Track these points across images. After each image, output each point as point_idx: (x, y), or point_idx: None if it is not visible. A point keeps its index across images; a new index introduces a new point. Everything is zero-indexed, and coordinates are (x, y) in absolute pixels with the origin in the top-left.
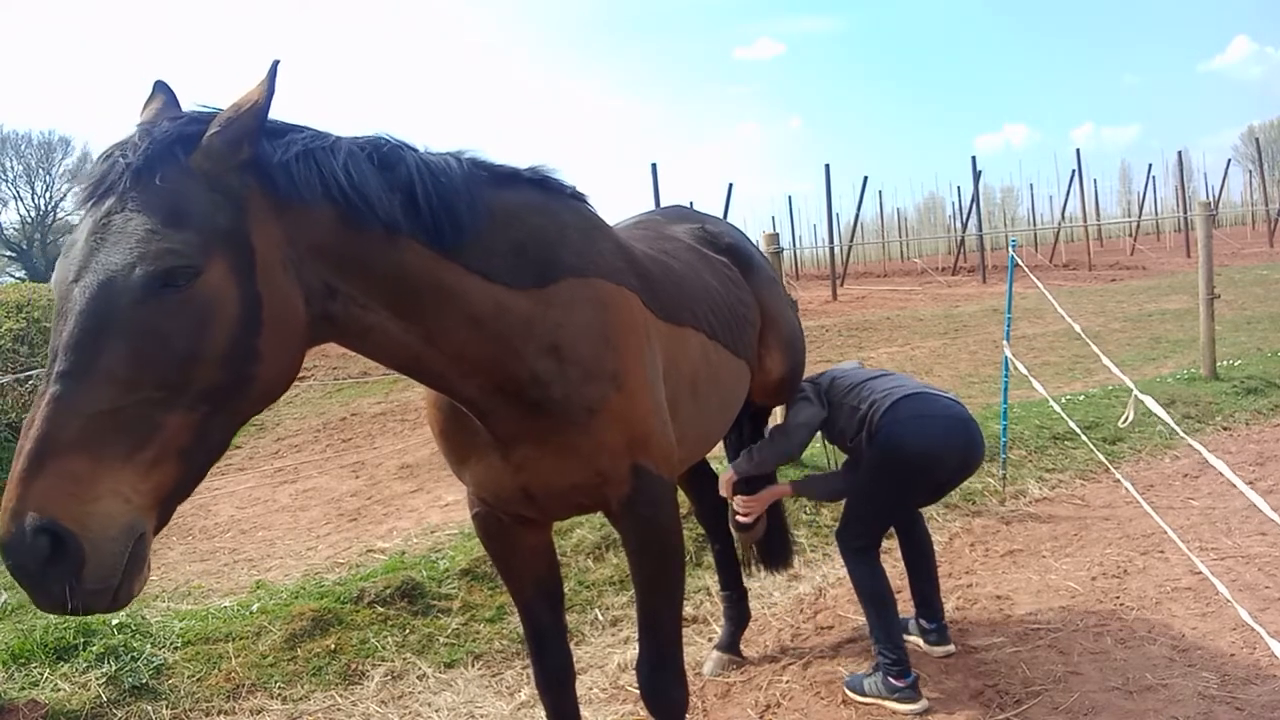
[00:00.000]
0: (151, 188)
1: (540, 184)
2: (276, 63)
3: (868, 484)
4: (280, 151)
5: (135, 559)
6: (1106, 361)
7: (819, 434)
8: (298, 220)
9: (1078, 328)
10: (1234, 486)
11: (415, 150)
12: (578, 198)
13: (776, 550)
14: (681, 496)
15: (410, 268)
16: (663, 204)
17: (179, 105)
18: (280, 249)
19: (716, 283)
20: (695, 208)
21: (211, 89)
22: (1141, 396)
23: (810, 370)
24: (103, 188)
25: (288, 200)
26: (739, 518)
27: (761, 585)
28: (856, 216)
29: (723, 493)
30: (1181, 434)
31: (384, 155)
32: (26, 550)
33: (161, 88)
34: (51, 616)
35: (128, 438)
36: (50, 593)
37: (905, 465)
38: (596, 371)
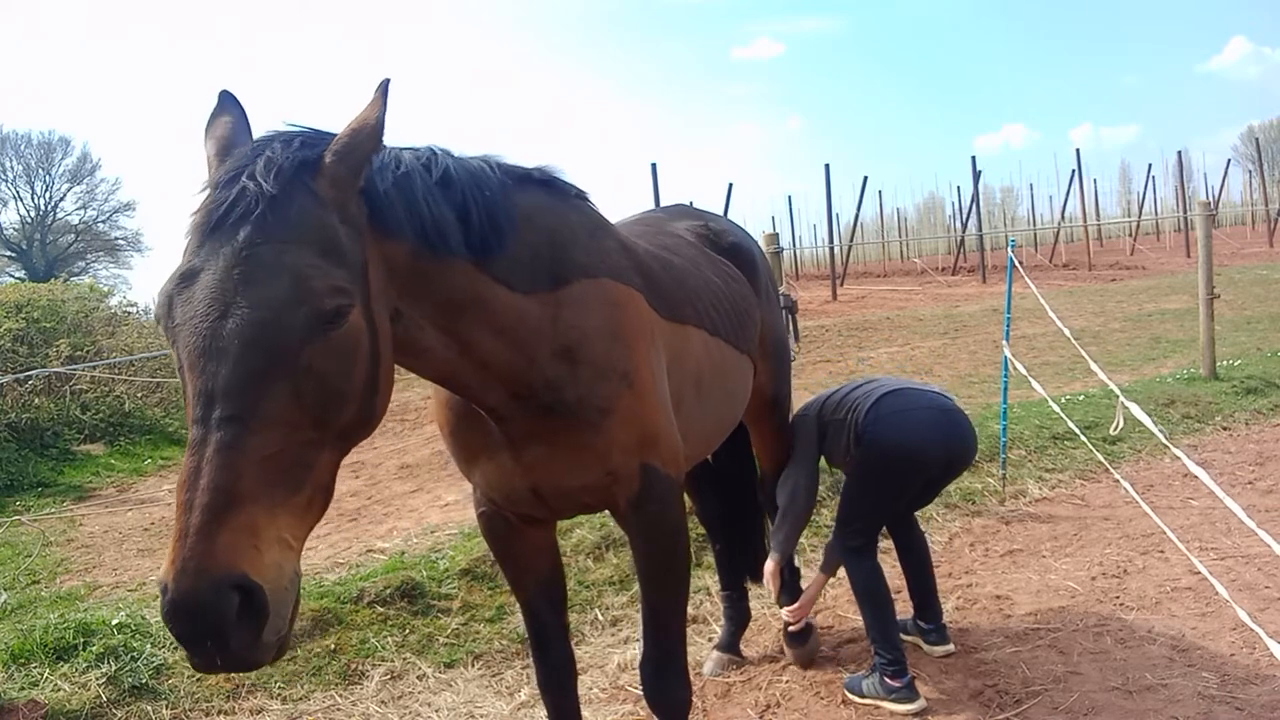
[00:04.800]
0: (293, 218)
1: (547, 185)
2: (387, 81)
3: (857, 485)
4: (380, 180)
5: (296, 606)
6: (1094, 367)
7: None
8: (388, 248)
9: (1067, 332)
10: (1233, 487)
11: (458, 159)
12: (581, 197)
13: (758, 564)
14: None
15: (457, 286)
16: (662, 203)
17: (248, 119)
18: (379, 278)
19: (717, 278)
20: (695, 207)
21: (214, 90)
22: (1128, 404)
23: (809, 376)
24: (234, 215)
25: (388, 231)
26: (791, 628)
27: (762, 585)
28: (856, 216)
29: (769, 585)
30: (1166, 441)
31: (443, 174)
32: (217, 608)
33: (228, 100)
34: (51, 616)
35: (289, 481)
36: (233, 651)
37: (890, 462)
38: (608, 371)
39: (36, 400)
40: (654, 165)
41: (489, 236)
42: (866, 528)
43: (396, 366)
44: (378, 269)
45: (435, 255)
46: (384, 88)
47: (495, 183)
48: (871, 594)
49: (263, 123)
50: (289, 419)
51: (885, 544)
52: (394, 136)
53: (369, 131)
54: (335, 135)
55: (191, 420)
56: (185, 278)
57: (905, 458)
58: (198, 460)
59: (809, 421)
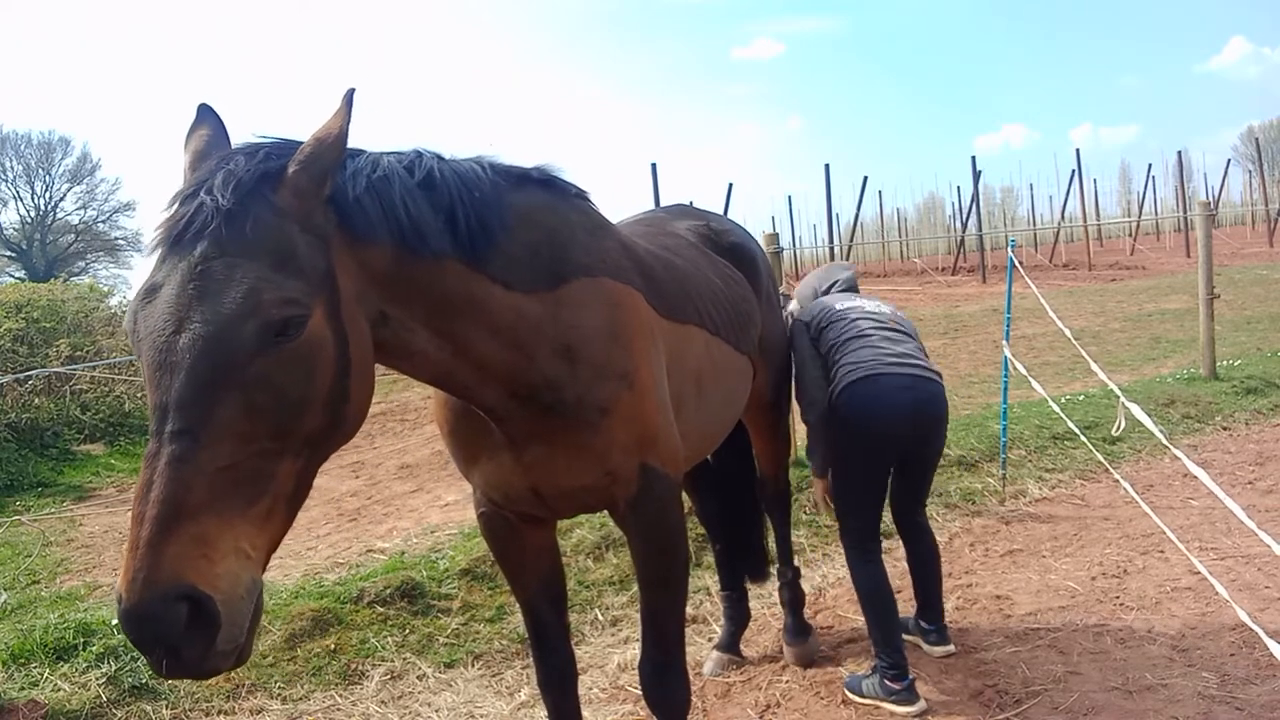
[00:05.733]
0: (248, 231)
1: (547, 184)
2: (352, 91)
3: (840, 474)
4: (352, 186)
5: (256, 615)
6: (1094, 367)
7: None
8: (364, 254)
9: (1068, 333)
10: (1233, 487)
11: (447, 161)
12: (582, 197)
13: (757, 565)
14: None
15: (449, 286)
16: (662, 203)
17: (226, 131)
18: (353, 283)
19: (718, 279)
20: (697, 207)
21: (215, 90)
22: (1128, 404)
23: None
24: (192, 230)
25: (360, 236)
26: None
27: (761, 585)
28: (856, 216)
29: (822, 506)
30: (1166, 442)
31: (426, 176)
32: (165, 619)
33: (206, 113)
34: (51, 616)
35: (245, 492)
36: (184, 660)
37: (857, 444)
38: (608, 371)
39: (36, 400)
40: (654, 165)
41: (479, 239)
42: (862, 519)
43: (393, 369)
44: (351, 276)
45: (420, 257)
46: (348, 97)
47: (487, 183)
48: (873, 596)
49: (248, 130)
50: (242, 431)
51: (891, 544)
52: (392, 137)
53: (332, 141)
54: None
55: (150, 433)
56: (148, 293)
57: (871, 438)
58: (150, 473)
59: (806, 341)
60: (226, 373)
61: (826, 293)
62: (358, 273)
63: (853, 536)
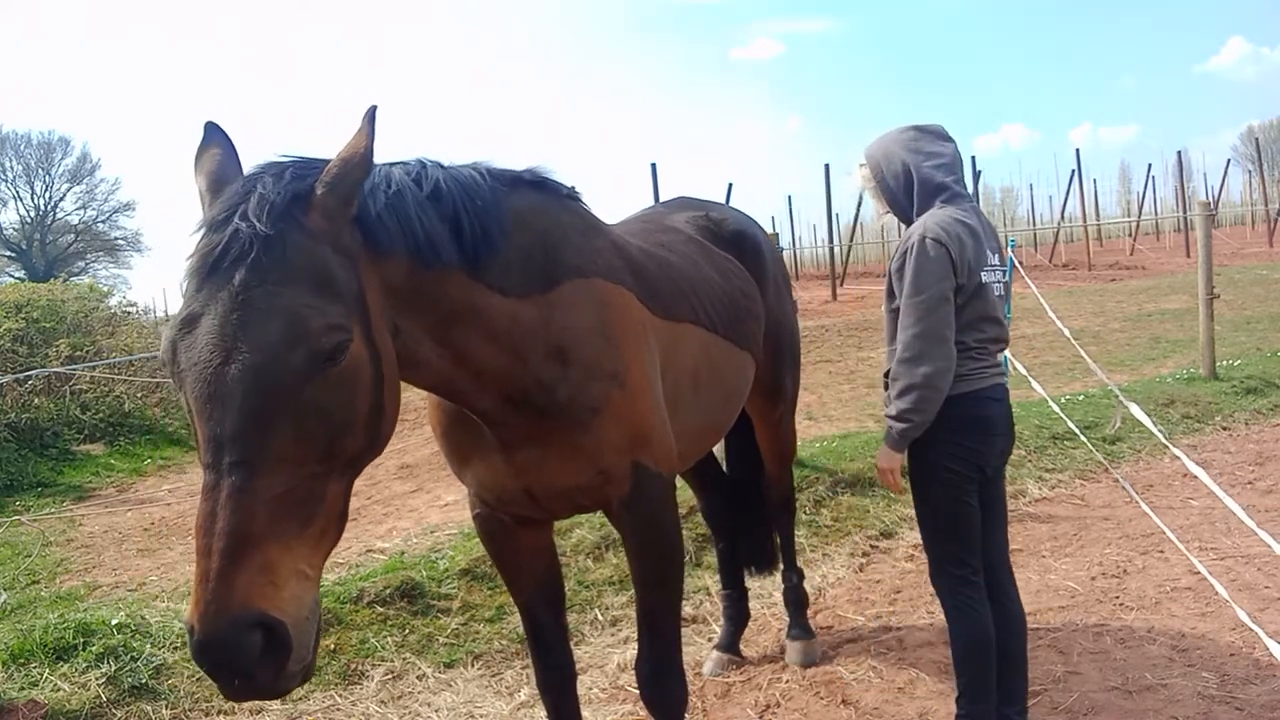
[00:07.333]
0: (286, 257)
1: (539, 186)
2: (374, 109)
3: (915, 492)
4: (373, 204)
5: (318, 632)
6: (1094, 367)
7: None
8: (385, 269)
9: (1067, 333)
10: (1232, 487)
11: (448, 170)
12: (573, 197)
13: (763, 554)
14: (685, 495)
15: (453, 295)
16: None
17: (235, 149)
18: (378, 299)
19: (716, 274)
20: (696, 198)
21: (214, 89)
22: (1127, 404)
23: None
24: (229, 258)
25: (382, 252)
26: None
27: (761, 585)
28: (856, 216)
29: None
30: (1166, 441)
31: (434, 188)
32: (240, 647)
33: (214, 131)
34: (51, 616)
35: (300, 515)
36: (258, 683)
37: (954, 460)
38: (599, 371)
39: (36, 400)
40: (654, 165)
41: (480, 246)
42: (941, 548)
43: None
44: (377, 292)
45: (429, 268)
46: (370, 115)
47: (486, 190)
48: (960, 644)
49: (249, 130)
50: (295, 456)
51: (894, 545)
52: (390, 135)
53: (358, 160)
54: (325, 164)
55: (203, 464)
56: (187, 323)
57: (969, 452)
58: (212, 505)
59: (944, 278)
60: (278, 401)
61: (930, 184)
62: (380, 288)
63: (938, 580)
